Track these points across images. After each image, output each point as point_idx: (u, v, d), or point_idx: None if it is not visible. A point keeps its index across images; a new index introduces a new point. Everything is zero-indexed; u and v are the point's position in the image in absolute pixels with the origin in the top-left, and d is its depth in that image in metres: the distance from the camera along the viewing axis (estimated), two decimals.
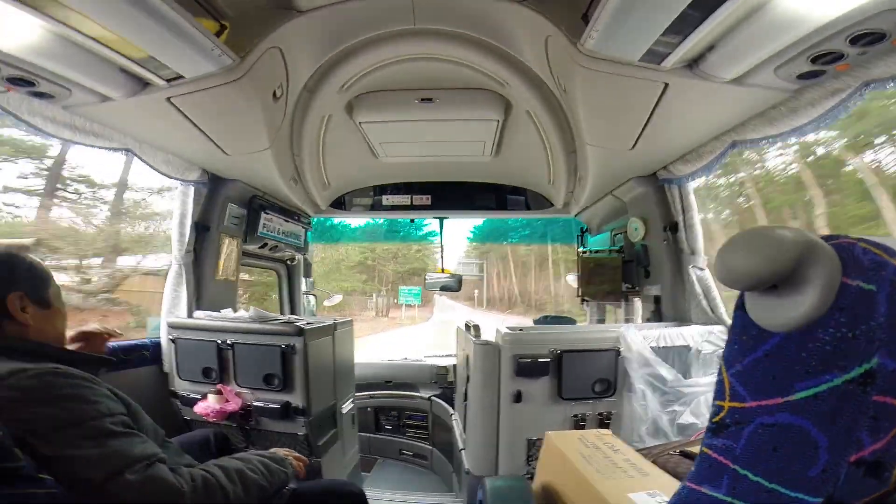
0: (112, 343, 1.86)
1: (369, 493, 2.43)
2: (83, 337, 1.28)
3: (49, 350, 1.05)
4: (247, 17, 1.35)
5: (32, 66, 1.18)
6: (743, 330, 0.39)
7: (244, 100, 1.53)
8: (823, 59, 1.11)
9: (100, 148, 1.63)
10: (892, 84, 1.09)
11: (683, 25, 1.05)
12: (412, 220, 3.07)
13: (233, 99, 1.50)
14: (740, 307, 0.39)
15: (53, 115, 1.42)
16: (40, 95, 1.33)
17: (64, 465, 0.88)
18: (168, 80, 1.35)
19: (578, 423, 1.73)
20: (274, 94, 1.64)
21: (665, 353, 1.73)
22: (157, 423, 1.68)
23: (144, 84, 1.37)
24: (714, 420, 0.42)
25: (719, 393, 0.41)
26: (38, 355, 1.01)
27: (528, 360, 1.69)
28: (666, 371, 1.63)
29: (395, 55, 1.75)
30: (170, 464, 1.05)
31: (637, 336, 1.71)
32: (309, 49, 1.61)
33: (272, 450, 1.40)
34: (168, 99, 1.43)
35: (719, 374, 0.42)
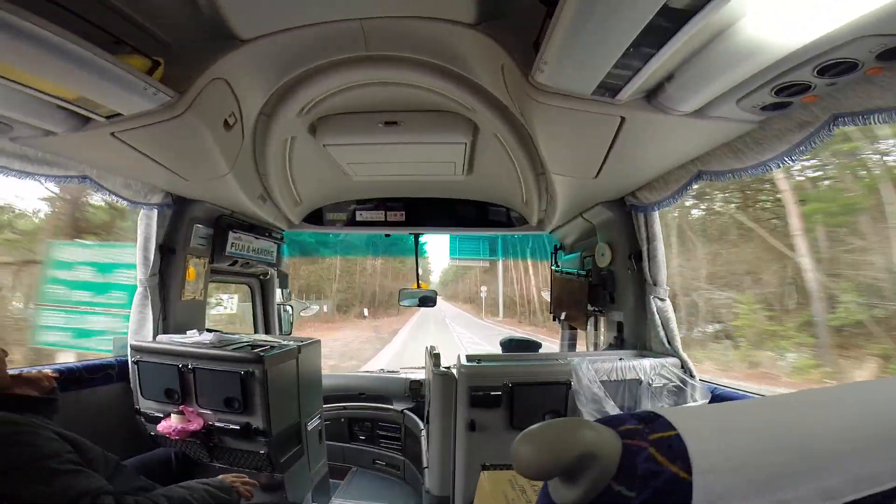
0: (74, 363, 1.90)
1: (340, 503, 2.47)
2: (24, 381, 1.31)
3: None
4: (184, 50, 1.33)
5: None
6: (545, 487, 0.42)
7: (192, 133, 1.51)
8: (789, 91, 1.04)
9: (56, 177, 1.63)
10: (861, 118, 1.02)
11: (635, 58, 0.99)
12: (387, 235, 3.06)
13: (179, 132, 1.47)
14: None
15: (1, 148, 1.43)
16: None
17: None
18: (107, 118, 1.33)
19: None
20: (226, 122, 1.61)
21: (616, 386, 1.73)
22: (123, 440, 1.75)
23: (86, 119, 1.36)
24: None
25: None
26: None
27: (481, 392, 1.71)
28: (610, 408, 1.63)
29: (352, 80, 1.70)
30: (122, 489, 1.15)
31: (589, 371, 1.70)
32: (258, 77, 1.57)
33: (220, 476, 1.47)
34: (112, 134, 1.42)
35: None
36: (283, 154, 2.18)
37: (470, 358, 1.86)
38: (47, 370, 1.40)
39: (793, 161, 1.26)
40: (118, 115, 1.33)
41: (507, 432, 1.73)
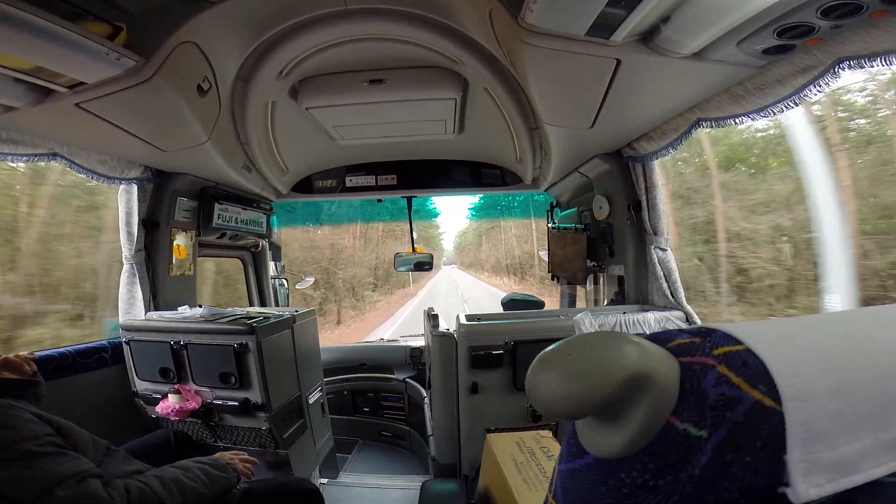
0: (67, 348, 1.85)
1: (348, 477, 2.50)
2: (3, 364, 1.26)
3: None
4: (147, 14, 1.23)
5: None
6: (571, 436, 0.35)
7: (162, 98, 1.42)
8: (791, 33, 1.00)
9: (23, 156, 1.54)
10: (867, 61, 0.98)
11: None
12: (379, 200, 2.98)
13: (149, 98, 1.40)
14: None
15: None
16: None
17: None
18: (70, 87, 1.26)
19: (535, 414, 1.73)
20: (199, 87, 1.52)
21: None
22: (124, 423, 1.72)
23: (48, 91, 1.28)
24: None
25: (551, 483, 0.38)
26: None
27: (482, 352, 1.68)
28: None
29: (332, 38, 1.60)
30: (113, 473, 1.12)
31: (593, 325, 1.67)
32: (230, 39, 1.48)
33: (217, 454, 1.43)
34: (77, 105, 1.34)
35: (555, 464, 0.39)
36: (264, 120, 2.08)
37: (470, 318, 1.83)
38: (24, 353, 1.35)
39: (796, 105, 1.20)
40: (81, 83, 1.25)
41: (511, 394, 1.71)
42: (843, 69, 1.03)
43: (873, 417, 0.26)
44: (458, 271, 45.45)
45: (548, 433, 1.32)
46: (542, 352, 0.31)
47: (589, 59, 1.21)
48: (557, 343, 0.31)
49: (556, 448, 1.25)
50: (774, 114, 1.28)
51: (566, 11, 1.03)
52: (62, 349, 1.82)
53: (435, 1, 1.45)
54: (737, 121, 1.38)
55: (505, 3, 1.16)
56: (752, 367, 0.26)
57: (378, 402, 3.07)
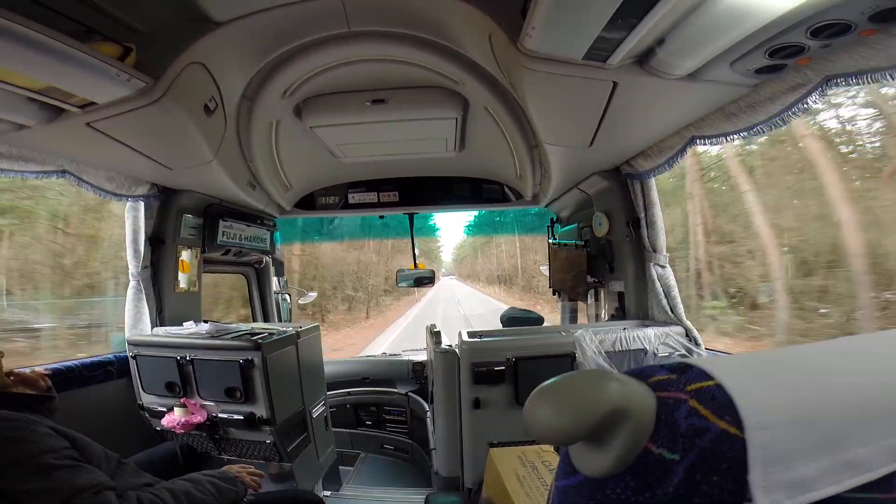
0: (73, 361, 1.87)
1: (350, 490, 2.49)
2: (19, 380, 1.29)
3: None
4: (156, 36, 1.28)
5: None
6: (565, 457, 0.38)
7: (170, 118, 1.46)
8: (782, 53, 1.04)
9: (33, 173, 1.58)
10: (854, 79, 1.02)
11: (626, 19, 0.96)
12: (381, 217, 3.02)
13: (157, 118, 1.43)
14: None
15: None
16: None
17: (15, 498, 0.96)
18: (81, 107, 1.29)
19: None
20: (206, 107, 1.56)
21: (621, 356, 1.73)
22: (129, 436, 1.73)
23: (59, 110, 1.32)
24: None
25: (548, 499, 0.41)
26: None
27: (484, 368, 1.69)
28: None
29: (336, 59, 1.65)
30: (125, 485, 1.14)
31: (593, 342, 1.69)
32: (237, 60, 1.53)
33: (224, 468, 1.45)
34: (88, 124, 1.38)
35: (553, 479, 0.42)
36: (269, 138, 2.12)
37: (471, 334, 1.85)
38: (40, 369, 1.37)
39: (784, 123, 1.25)
40: (92, 103, 1.29)
41: (513, 409, 1.73)
42: (831, 87, 1.06)
43: (830, 441, 0.30)
44: (456, 282, 46.14)
45: (549, 447, 1.34)
46: (538, 387, 0.34)
47: (587, 82, 1.25)
48: (552, 379, 0.34)
49: (557, 462, 1.26)
50: (764, 132, 1.32)
51: (564, 36, 1.07)
52: (69, 363, 1.84)
53: (436, 24, 1.49)
54: (729, 138, 1.42)
55: (504, 27, 1.21)
56: (720, 401, 0.30)
57: (380, 416, 3.07)
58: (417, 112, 1.92)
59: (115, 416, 1.94)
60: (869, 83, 1.00)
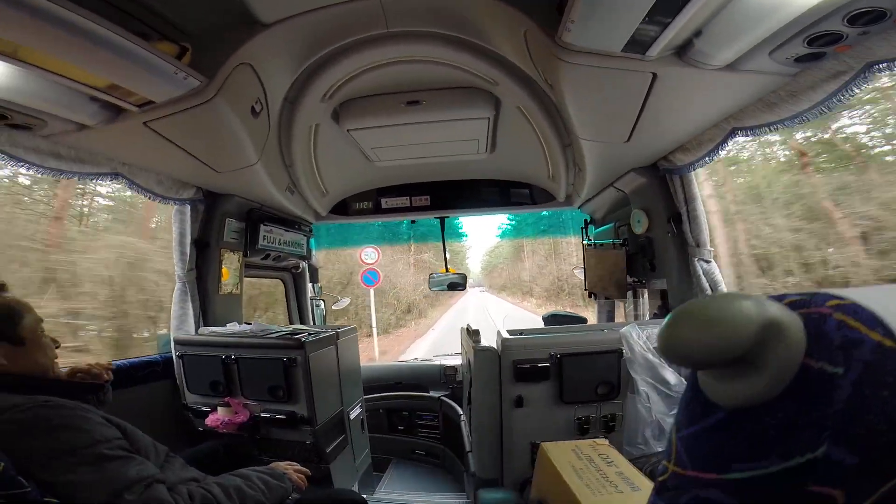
0: (121, 361, 1.93)
1: (383, 494, 2.47)
2: (76, 372, 1.32)
3: (33, 382, 1.09)
4: (209, 36, 1.33)
5: (1, 101, 1.19)
6: (693, 396, 0.36)
7: (220, 118, 1.52)
8: (821, 41, 1.03)
9: (89, 175, 1.65)
10: None
11: (664, 11, 0.97)
12: (413, 221, 3.05)
13: (209, 118, 1.49)
14: (693, 376, 0.37)
15: (36, 145, 1.44)
16: (16, 127, 1.35)
17: (64, 490, 0.95)
18: (139, 106, 1.35)
19: (583, 426, 1.70)
20: (253, 109, 1.62)
21: None
22: (172, 436, 1.74)
23: (119, 110, 1.38)
24: (659, 479, 0.39)
25: (667, 453, 0.39)
26: (27, 388, 1.06)
27: (527, 365, 1.67)
28: (670, 374, 1.58)
29: (374, 60, 1.70)
30: (173, 479, 1.13)
31: (640, 337, 1.65)
32: (281, 61, 1.59)
33: (272, 464, 1.44)
34: (145, 123, 1.44)
35: (670, 433, 0.39)
36: (308, 143, 2.19)
37: (512, 332, 1.83)
38: (105, 362, 1.40)
39: (829, 110, 1.23)
40: (150, 102, 1.34)
41: (557, 406, 1.69)
42: (874, 72, 1.05)
43: None
44: (489, 296, 35.18)
45: (604, 441, 1.30)
46: (676, 308, 0.33)
47: (625, 75, 1.26)
48: (688, 302, 0.33)
49: (614, 455, 1.23)
50: (808, 119, 1.30)
51: (603, 29, 1.08)
52: (117, 362, 1.89)
53: (471, 23, 1.52)
54: (772, 128, 1.40)
55: (540, 23, 1.23)
56: (865, 314, 0.29)
57: (412, 421, 3.05)
58: (451, 113, 1.96)
59: (160, 416, 1.99)
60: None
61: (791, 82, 1.24)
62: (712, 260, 1.90)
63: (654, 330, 1.69)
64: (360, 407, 2.40)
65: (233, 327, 2.11)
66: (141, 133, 1.48)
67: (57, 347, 1.23)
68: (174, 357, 2.04)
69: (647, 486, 1.05)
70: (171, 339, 2.04)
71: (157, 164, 1.83)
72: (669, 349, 0.32)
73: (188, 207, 2.08)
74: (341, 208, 2.89)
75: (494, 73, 1.74)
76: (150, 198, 1.91)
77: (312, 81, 1.76)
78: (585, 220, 2.93)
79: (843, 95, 1.15)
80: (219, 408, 1.90)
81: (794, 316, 0.30)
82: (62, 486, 0.95)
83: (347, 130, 2.03)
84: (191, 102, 1.38)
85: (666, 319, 0.33)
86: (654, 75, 1.26)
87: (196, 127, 1.53)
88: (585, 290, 2.74)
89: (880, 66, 1.03)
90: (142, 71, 1.16)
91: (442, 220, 2.96)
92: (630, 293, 2.45)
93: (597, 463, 1.18)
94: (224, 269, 2.28)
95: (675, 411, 1.58)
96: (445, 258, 3.11)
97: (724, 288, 1.86)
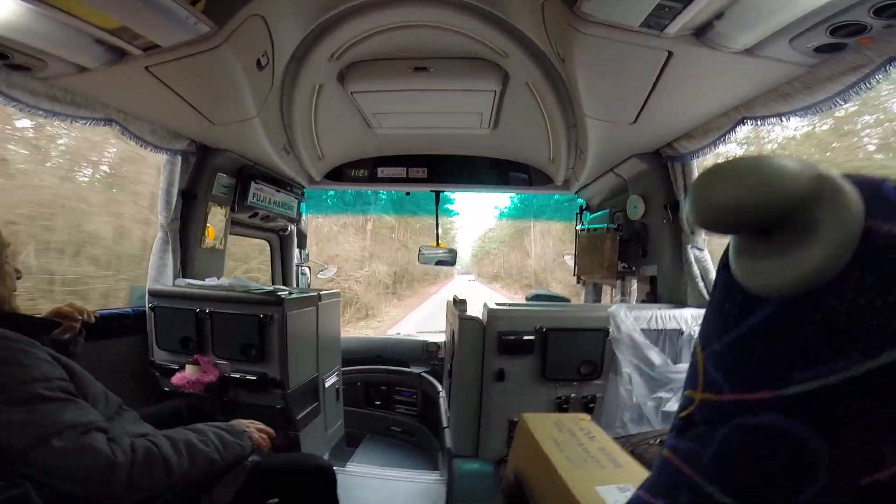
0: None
1: (354, 467, 2.45)
2: (57, 314, 1.25)
3: None
4: None
5: (3, 39, 1.16)
6: (726, 295, 0.28)
7: (225, 68, 1.48)
8: (844, 31, 1.01)
9: (82, 118, 1.60)
10: None
11: None
12: (407, 193, 3.00)
13: (213, 67, 1.45)
14: (724, 265, 0.29)
15: (32, 87, 1.40)
16: (16, 68, 1.33)
17: None
18: (144, 50, 1.31)
19: (562, 406, 1.69)
20: (258, 62, 1.58)
21: (656, 335, 1.67)
22: (135, 395, 1.64)
23: (121, 54, 1.34)
24: (681, 415, 0.32)
25: (691, 380, 0.31)
26: None
27: (512, 336, 1.64)
28: (655, 355, 1.57)
29: (386, 22, 1.66)
30: (119, 432, 1.02)
31: (628, 317, 1.64)
32: (294, 16, 1.54)
33: (233, 421, 1.35)
34: (146, 68, 1.39)
35: (693, 354, 0.31)
36: (309, 103, 2.13)
37: (499, 304, 1.81)
38: (92, 309, 1.33)
39: (844, 102, 1.20)
40: (155, 46, 1.30)
41: (540, 383, 1.67)
42: (894, 67, 1.04)
43: None
44: (479, 286, 28.55)
45: (586, 416, 1.29)
46: (710, 166, 0.26)
47: (641, 51, 1.23)
48: (721, 162, 0.26)
49: (597, 430, 1.21)
50: (822, 111, 1.28)
51: (624, 2, 1.05)
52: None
53: None
54: (782, 118, 1.37)
55: None
56: None
57: (390, 396, 3.03)
58: (457, 82, 1.92)
59: (124, 373, 1.91)
60: None
61: (808, 74, 1.22)
62: (705, 248, 1.90)
63: (642, 312, 1.69)
64: (337, 376, 2.37)
65: (211, 281, 2.05)
66: (141, 78, 1.44)
67: (18, 278, 1.15)
68: (147, 310, 1.97)
69: (629, 462, 1.03)
70: (147, 290, 1.98)
71: (152, 111, 1.77)
72: (702, 202, 0.26)
73: (179, 158, 2.02)
74: (335, 174, 2.83)
75: (506, 44, 1.70)
76: (141, 146, 1.85)
77: (322, 39, 1.72)
78: (581, 206, 2.92)
79: (860, 89, 1.12)
80: (187, 366, 1.83)
81: (844, 178, 0.25)
82: None
83: (351, 93, 1.98)
84: (197, 48, 1.34)
85: (698, 176, 0.27)
86: (670, 54, 1.23)
87: (198, 74, 1.49)
88: (574, 275, 2.72)
89: None
90: (154, 13, 1.13)
91: (437, 193, 2.92)
92: (619, 280, 2.45)
93: (578, 437, 1.16)
94: (211, 229, 2.22)
95: (657, 394, 1.58)
96: (437, 233, 3.07)
97: (714, 275, 1.86)
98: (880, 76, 1.07)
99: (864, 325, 0.23)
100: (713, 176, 0.25)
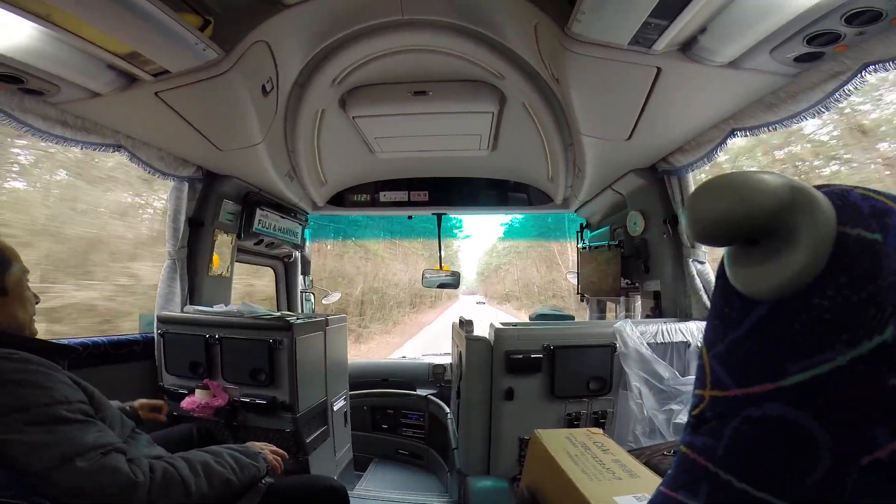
0: (101, 338, 1.86)
1: (363, 491, 2.40)
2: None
3: (6, 339, 1.02)
4: (232, 11, 1.34)
5: (19, 63, 1.20)
6: (725, 301, 0.32)
7: (232, 93, 1.52)
8: (820, 40, 1.07)
9: (92, 145, 1.63)
10: (892, 64, 1.04)
11: (672, 5, 1.01)
12: (410, 217, 3.04)
13: (220, 93, 1.50)
14: (721, 274, 0.33)
15: (45, 113, 1.44)
16: (29, 92, 1.36)
17: (9, 451, 0.87)
18: (154, 75, 1.35)
19: (572, 423, 1.68)
20: (263, 88, 1.63)
21: (663, 349, 1.68)
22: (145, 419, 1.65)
23: (132, 79, 1.38)
24: (693, 413, 0.35)
25: (699, 380, 0.34)
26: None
27: (520, 355, 1.65)
28: (663, 369, 1.57)
29: (385, 47, 1.72)
30: (135, 454, 1.03)
31: (634, 332, 1.65)
32: (297, 43, 1.60)
33: (247, 443, 1.36)
34: (156, 94, 1.44)
35: (700, 357, 0.35)
36: (312, 128, 2.18)
37: (505, 324, 1.82)
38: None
39: (827, 110, 1.26)
40: (165, 72, 1.35)
41: (549, 401, 1.67)
42: (870, 72, 1.09)
43: None
44: (490, 309, 22.13)
45: (598, 430, 1.28)
46: (700, 184, 0.31)
47: (631, 68, 1.28)
48: (709, 179, 0.31)
49: (610, 443, 1.20)
50: (805, 119, 1.33)
51: (612, 21, 1.11)
52: (96, 338, 1.83)
53: (485, 15, 1.55)
54: (770, 128, 1.43)
55: (552, 14, 1.26)
56: (885, 193, 0.27)
57: (397, 420, 2.99)
58: (456, 105, 1.97)
59: (134, 398, 1.91)
60: None
61: (791, 83, 1.27)
62: (706, 261, 1.92)
63: (648, 326, 1.70)
64: (345, 400, 2.35)
65: (219, 308, 2.06)
66: (151, 104, 1.49)
67: (37, 303, 1.17)
68: (156, 335, 1.98)
69: (645, 473, 1.03)
70: (155, 317, 1.99)
71: (161, 138, 1.82)
72: (696, 220, 0.29)
73: (186, 185, 2.06)
74: (338, 200, 2.87)
75: (502, 66, 1.76)
76: (150, 172, 1.90)
77: (324, 65, 1.77)
78: (581, 225, 2.95)
79: (840, 96, 1.18)
80: (196, 390, 1.82)
81: (815, 189, 0.28)
82: (7, 444, 0.86)
83: (353, 118, 2.03)
84: (205, 74, 1.39)
85: (690, 195, 0.31)
86: (659, 70, 1.28)
87: (206, 100, 1.54)
88: (578, 293, 2.74)
89: (876, 66, 1.07)
90: (165, 39, 1.18)
91: (439, 216, 2.95)
92: (623, 297, 2.46)
93: (592, 450, 1.16)
94: (216, 257, 2.25)
95: (667, 406, 1.58)
96: (440, 256, 3.09)
97: None
98: (858, 81, 1.13)
99: (844, 319, 0.26)
100: (702, 195, 0.29)
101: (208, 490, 1.06)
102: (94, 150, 1.67)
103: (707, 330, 0.34)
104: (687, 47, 1.19)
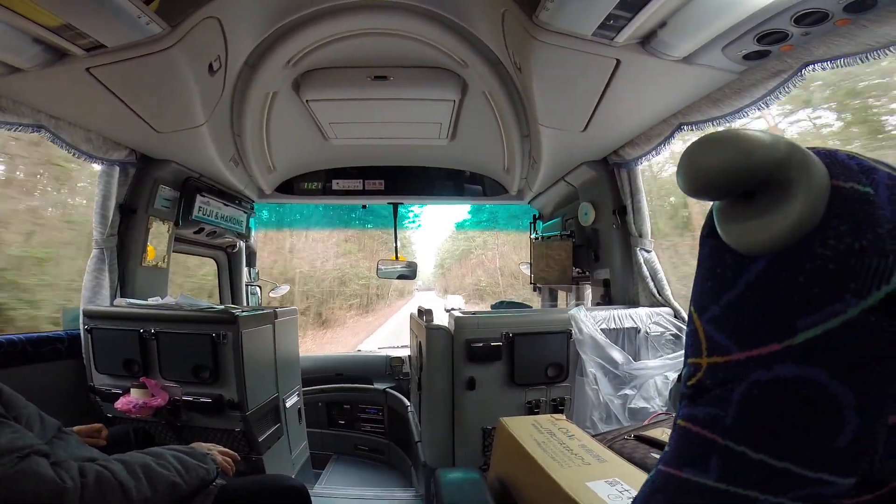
0: (17, 335, 1.67)
1: (324, 489, 2.33)
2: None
3: None
4: None
5: None
6: (715, 261, 0.30)
7: (174, 71, 1.40)
8: (769, 39, 1.13)
9: (7, 124, 1.46)
10: (829, 65, 1.12)
11: None
12: (364, 206, 2.96)
13: (162, 70, 1.37)
14: (709, 234, 0.31)
15: None
16: None
17: None
18: (87, 50, 1.23)
19: (532, 410, 1.71)
20: (210, 67, 1.50)
21: (615, 335, 1.75)
22: (74, 423, 1.49)
23: (61, 54, 1.25)
24: (689, 383, 0.32)
25: (693, 347, 0.32)
26: None
27: (480, 343, 1.65)
28: (617, 353, 1.64)
29: (346, 29, 1.64)
30: (63, 456, 0.94)
31: (588, 318, 1.71)
32: (251, 20, 1.50)
33: (193, 444, 1.27)
34: (87, 69, 1.30)
35: (690, 322, 0.33)
36: (261, 112, 2.06)
37: (465, 313, 1.82)
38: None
39: (767, 106, 1.35)
40: (101, 46, 1.22)
41: (510, 388, 1.69)
42: (808, 72, 1.18)
43: None
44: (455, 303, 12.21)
45: (561, 416, 1.31)
46: (698, 139, 0.30)
47: (592, 59, 1.31)
48: (708, 134, 0.30)
49: (574, 429, 1.23)
50: (747, 115, 1.42)
51: (578, 11, 1.13)
52: (12, 336, 1.65)
53: (452, 0, 1.52)
54: (715, 123, 1.51)
55: (520, 1, 1.25)
56: (864, 156, 0.28)
57: (355, 415, 2.91)
58: (417, 91, 1.93)
59: (61, 400, 1.73)
60: (840, 66, 1.11)
61: (736, 80, 1.34)
62: (652, 250, 2.02)
63: (601, 312, 1.76)
64: (298, 396, 2.26)
65: (155, 301, 1.90)
66: (80, 81, 1.34)
67: None
68: (82, 332, 1.80)
69: (612, 457, 1.05)
70: (81, 311, 1.80)
71: (89, 118, 1.65)
72: (695, 171, 0.28)
73: (117, 169, 1.87)
74: (287, 188, 2.74)
75: (465, 52, 1.73)
76: (74, 155, 1.71)
77: (278, 45, 1.67)
78: (534, 216, 3.01)
79: (780, 93, 1.27)
80: (132, 389, 1.68)
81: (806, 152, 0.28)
82: None
83: (307, 101, 1.94)
84: (146, 50, 1.27)
85: (688, 147, 0.29)
86: (618, 62, 1.32)
87: (145, 78, 1.41)
88: (531, 283, 2.79)
89: (814, 66, 1.15)
90: (104, 11, 1.07)
91: (395, 206, 2.90)
92: (574, 285, 2.54)
93: (558, 436, 1.18)
94: (151, 249, 2.06)
95: (622, 392, 1.64)
96: (396, 246, 3.04)
97: (662, 276, 1.98)
98: (796, 80, 1.21)
99: (850, 268, 0.25)
100: (701, 147, 0.28)
101: (152, 495, 0.97)
102: (9, 129, 1.48)
103: (696, 294, 0.32)
104: (646, 41, 1.23)
